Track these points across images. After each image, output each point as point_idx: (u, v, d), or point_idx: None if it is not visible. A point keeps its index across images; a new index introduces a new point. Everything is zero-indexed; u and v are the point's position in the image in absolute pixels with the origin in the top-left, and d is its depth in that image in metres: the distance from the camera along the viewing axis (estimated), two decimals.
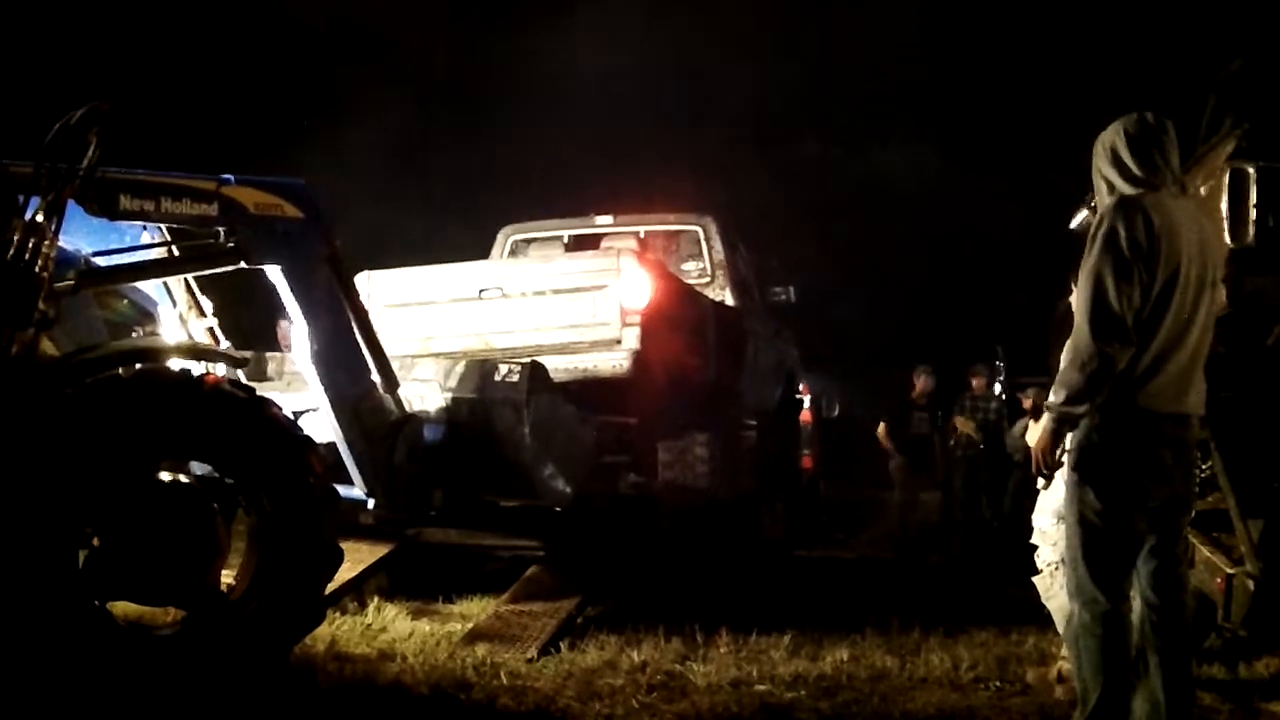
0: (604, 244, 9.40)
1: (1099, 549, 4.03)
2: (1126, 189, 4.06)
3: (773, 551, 9.87)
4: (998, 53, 21.27)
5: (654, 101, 21.22)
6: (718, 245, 9.60)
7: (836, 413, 14.69)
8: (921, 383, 12.00)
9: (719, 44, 20.87)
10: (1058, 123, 17.87)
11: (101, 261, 5.76)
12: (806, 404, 12.56)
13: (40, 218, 4.93)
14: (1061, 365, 4.05)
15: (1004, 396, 12.38)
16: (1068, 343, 4.04)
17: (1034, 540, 5.29)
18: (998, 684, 5.56)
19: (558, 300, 7.60)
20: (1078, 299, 4.07)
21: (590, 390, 7.32)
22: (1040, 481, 4.96)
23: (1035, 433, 4.64)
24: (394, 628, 6.50)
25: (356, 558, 6.46)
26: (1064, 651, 5.11)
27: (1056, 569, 5.01)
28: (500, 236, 10.17)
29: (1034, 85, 20.57)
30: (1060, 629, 5.21)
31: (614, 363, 7.45)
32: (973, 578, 9.51)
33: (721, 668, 5.76)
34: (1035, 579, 5.29)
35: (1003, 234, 21.58)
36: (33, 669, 4.63)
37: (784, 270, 11.23)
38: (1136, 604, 4.13)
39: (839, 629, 6.62)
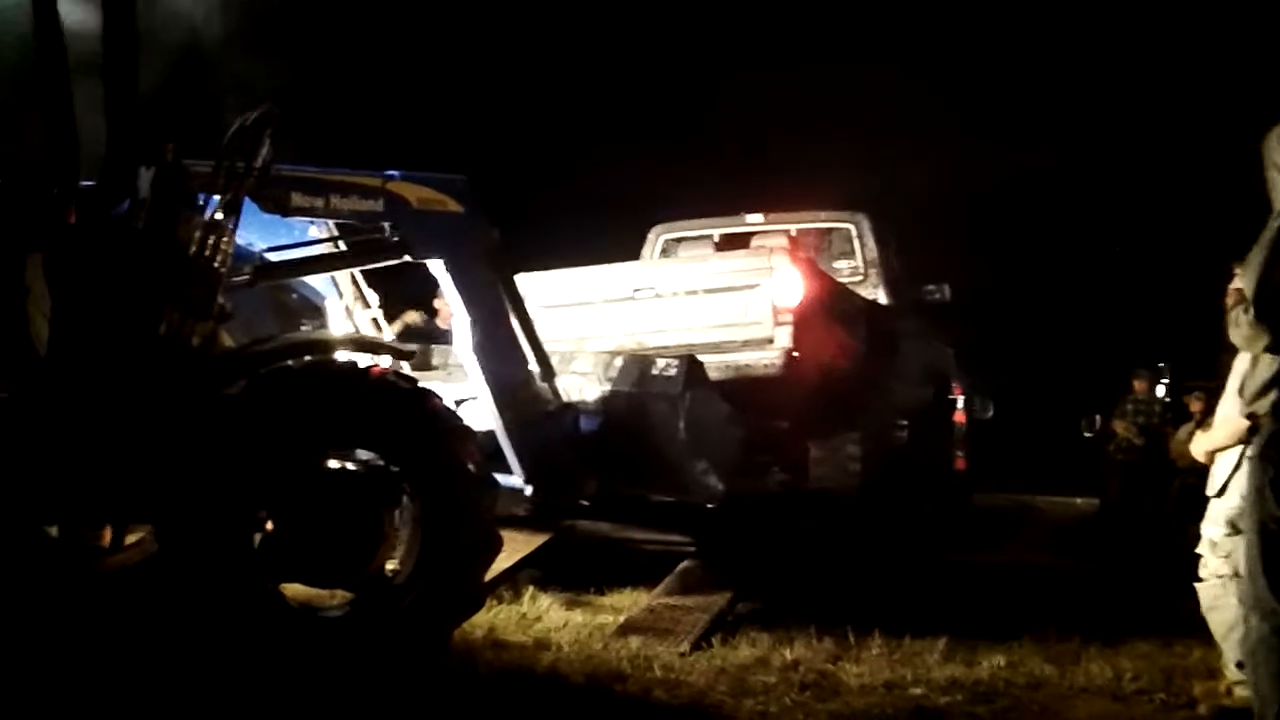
0: (754, 243, 9.39)
1: None
2: None
3: (924, 554, 9.72)
4: (1167, 43, 20.58)
5: (806, 97, 21.10)
6: (870, 243, 9.51)
7: (990, 414, 14.43)
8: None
9: (870, 39, 20.66)
10: (1221, 117, 17.26)
11: (274, 256, 5.99)
12: (959, 404, 12.34)
13: (219, 215, 5.16)
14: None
15: (1168, 399, 12.00)
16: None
17: (1200, 549, 5.11)
18: (1162, 697, 5.37)
19: (710, 299, 7.61)
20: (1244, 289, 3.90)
21: (742, 389, 7.31)
22: (1211, 489, 4.81)
23: (1202, 440, 4.50)
24: (548, 617, 6.58)
25: (513, 547, 6.54)
26: (1231, 665, 4.94)
27: (1229, 580, 4.83)
28: (651, 236, 10.23)
29: (1207, 79, 19.83)
30: (1220, 641, 5.04)
31: (766, 361, 7.43)
32: (1132, 586, 9.21)
33: (874, 669, 5.69)
34: (1199, 586, 5.11)
35: (1168, 232, 20.90)
36: (210, 648, 4.85)
37: (938, 268, 11.07)
38: None
39: (994, 635, 6.46)
